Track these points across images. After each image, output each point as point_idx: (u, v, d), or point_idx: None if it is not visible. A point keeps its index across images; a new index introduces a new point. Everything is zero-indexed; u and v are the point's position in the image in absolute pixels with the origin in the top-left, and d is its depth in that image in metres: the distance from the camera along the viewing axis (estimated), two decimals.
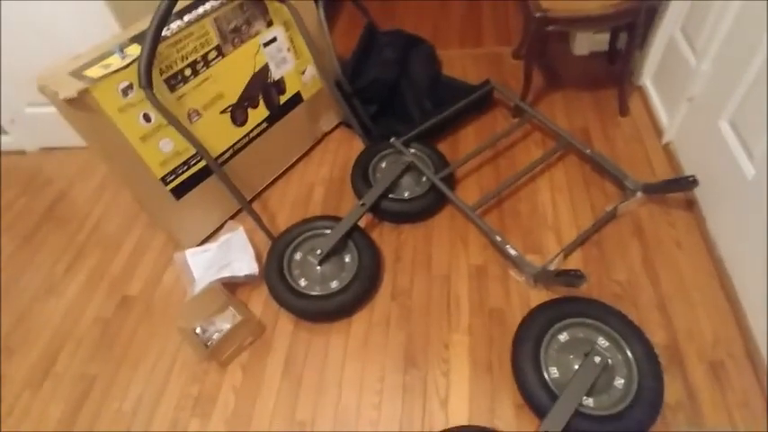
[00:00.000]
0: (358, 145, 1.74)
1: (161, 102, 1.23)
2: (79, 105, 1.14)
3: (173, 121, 1.25)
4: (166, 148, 1.34)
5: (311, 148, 1.79)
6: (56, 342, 1.41)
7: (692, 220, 1.39)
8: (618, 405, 1.04)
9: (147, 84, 1.19)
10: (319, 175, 1.71)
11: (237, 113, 1.47)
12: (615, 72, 1.77)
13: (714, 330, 1.19)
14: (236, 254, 1.44)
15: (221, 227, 1.57)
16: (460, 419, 1.13)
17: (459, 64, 2.01)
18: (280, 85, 1.56)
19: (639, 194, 1.40)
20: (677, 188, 1.36)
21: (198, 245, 1.53)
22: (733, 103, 1.21)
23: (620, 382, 1.08)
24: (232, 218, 1.59)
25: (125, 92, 1.20)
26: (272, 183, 1.71)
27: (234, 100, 1.45)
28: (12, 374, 1.35)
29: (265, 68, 1.49)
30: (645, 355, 1.09)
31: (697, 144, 1.40)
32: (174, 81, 1.29)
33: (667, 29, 1.56)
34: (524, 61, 1.65)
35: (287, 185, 1.70)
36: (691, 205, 1.41)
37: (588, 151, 1.49)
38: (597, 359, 1.06)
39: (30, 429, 1.24)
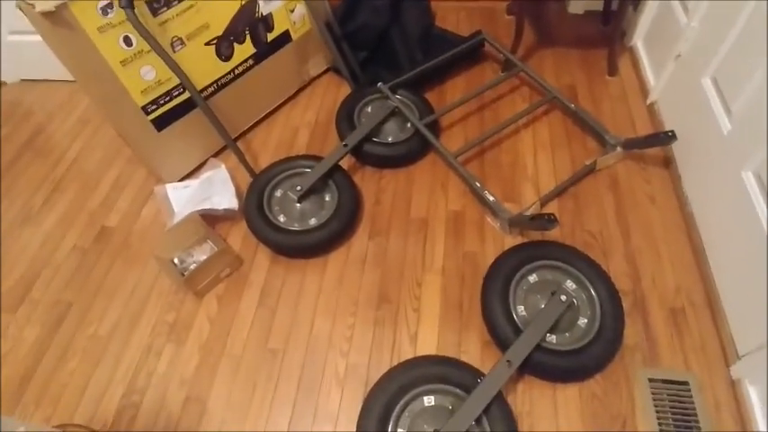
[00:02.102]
0: (346, 91, 1.73)
1: (142, 23, 1.20)
2: (56, 20, 1.11)
3: (153, 44, 1.22)
4: (148, 76, 1.32)
5: (298, 92, 1.77)
6: (33, 269, 1.41)
7: (667, 177, 1.41)
8: (578, 342, 1.08)
9: (128, 3, 1.16)
10: (305, 119, 1.70)
11: (223, 47, 1.45)
12: (608, 32, 1.76)
13: (677, 281, 1.23)
14: (216, 189, 1.44)
15: (203, 164, 1.56)
16: (428, 352, 1.16)
17: (454, 17, 1.98)
18: (268, 22, 1.52)
19: (619, 149, 1.41)
20: (656, 143, 1.38)
21: (179, 181, 1.53)
22: (717, 59, 1.22)
23: (583, 321, 1.12)
24: (214, 156, 1.58)
25: (104, 11, 1.17)
26: (257, 124, 1.69)
27: (219, 32, 1.42)
28: None
29: (253, 2, 1.45)
30: (608, 297, 1.13)
31: (680, 102, 1.41)
32: (158, 5, 1.26)
33: None
34: (516, 14, 1.63)
35: (271, 128, 1.69)
36: (668, 163, 1.43)
37: (572, 106, 1.50)
38: (563, 297, 1.09)
39: (4, 350, 1.26)
